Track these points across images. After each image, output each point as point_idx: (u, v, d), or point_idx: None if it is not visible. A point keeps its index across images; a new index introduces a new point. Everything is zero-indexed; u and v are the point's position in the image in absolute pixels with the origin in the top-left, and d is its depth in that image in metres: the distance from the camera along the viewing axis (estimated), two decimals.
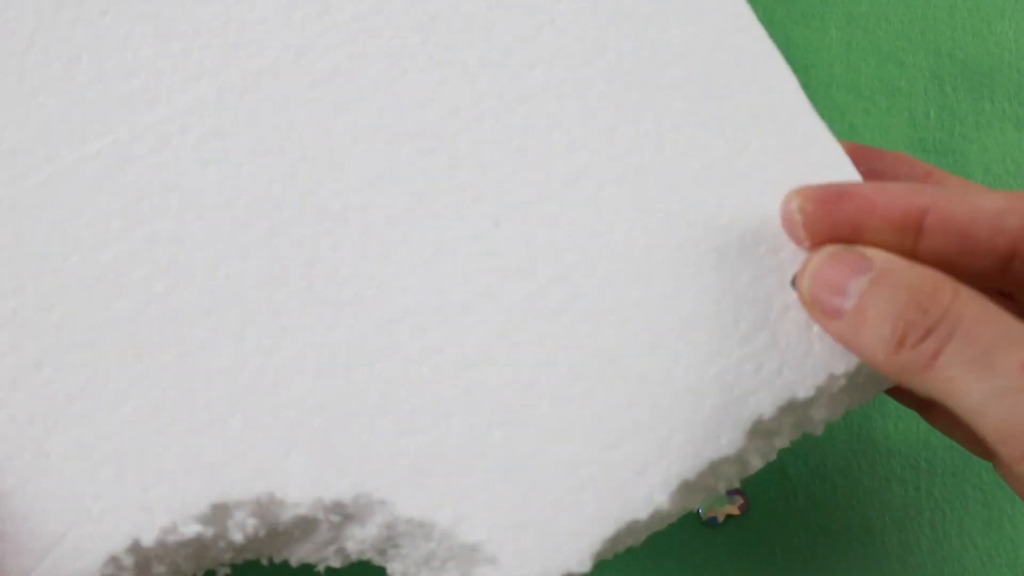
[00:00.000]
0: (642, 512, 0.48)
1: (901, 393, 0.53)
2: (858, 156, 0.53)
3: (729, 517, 0.59)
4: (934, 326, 0.44)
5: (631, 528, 0.48)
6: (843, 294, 0.46)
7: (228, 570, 0.51)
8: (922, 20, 0.67)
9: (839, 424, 0.61)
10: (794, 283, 0.49)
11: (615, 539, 0.48)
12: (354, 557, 0.50)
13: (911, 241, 0.46)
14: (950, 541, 0.60)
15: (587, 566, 0.48)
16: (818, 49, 0.66)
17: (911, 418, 0.62)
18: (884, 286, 0.45)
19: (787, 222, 0.49)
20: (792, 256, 0.50)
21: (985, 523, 0.61)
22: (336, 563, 0.51)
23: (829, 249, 0.47)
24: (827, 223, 0.48)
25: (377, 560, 0.50)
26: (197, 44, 0.52)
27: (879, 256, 0.46)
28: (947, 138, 0.65)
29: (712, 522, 0.59)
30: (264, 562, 0.51)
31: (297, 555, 0.51)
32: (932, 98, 0.66)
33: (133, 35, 0.52)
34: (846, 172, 0.52)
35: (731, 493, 0.59)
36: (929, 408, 0.54)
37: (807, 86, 0.65)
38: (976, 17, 0.68)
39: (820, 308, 0.47)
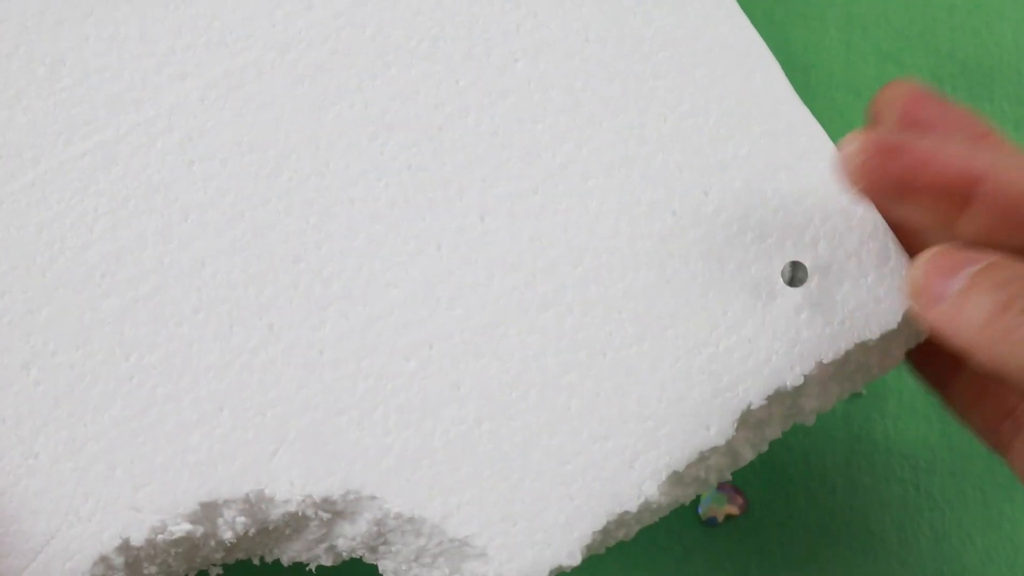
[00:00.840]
0: (632, 504, 0.48)
1: (922, 365, 0.53)
2: (919, 103, 0.51)
3: (729, 517, 0.59)
4: None
5: (621, 520, 0.48)
6: (954, 278, 0.45)
7: (220, 570, 0.51)
8: (921, 20, 0.67)
9: (839, 424, 0.61)
10: (788, 278, 0.49)
11: (605, 532, 0.48)
12: (345, 555, 0.50)
13: (958, 206, 0.46)
14: (950, 541, 0.60)
15: (577, 559, 0.47)
16: (818, 49, 0.66)
17: (911, 418, 0.62)
18: (994, 269, 0.44)
19: (842, 162, 0.47)
20: (778, 243, 0.50)
21: (985, 523, 0.60)
22: (327, 561, 0.51)
23: (946, 244, 0.46)
24: (878, 174, 0.46)
25: (368, 558, 0.50)
26: (181, 44, 0.52)
27: (995, 253, 0.45)
28: None
29: (712, 522, 0.59)
30: (255, 561, 0.51)
31: (288, 554, 0.51)
32: None
33: (117, 36, 0.52)
34: (823, 151, 0.52)
35: (731, 492, 0.59)
36: (949, 384, 0.53)
37: (807, 86, 0.65)
38: (975, 17, 0.67)
39: (927, 294, 0.46)
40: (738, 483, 0.60)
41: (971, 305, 0.44)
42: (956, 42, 0.67)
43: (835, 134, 0.62)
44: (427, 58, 0.52)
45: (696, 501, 0.59)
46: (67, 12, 0.53)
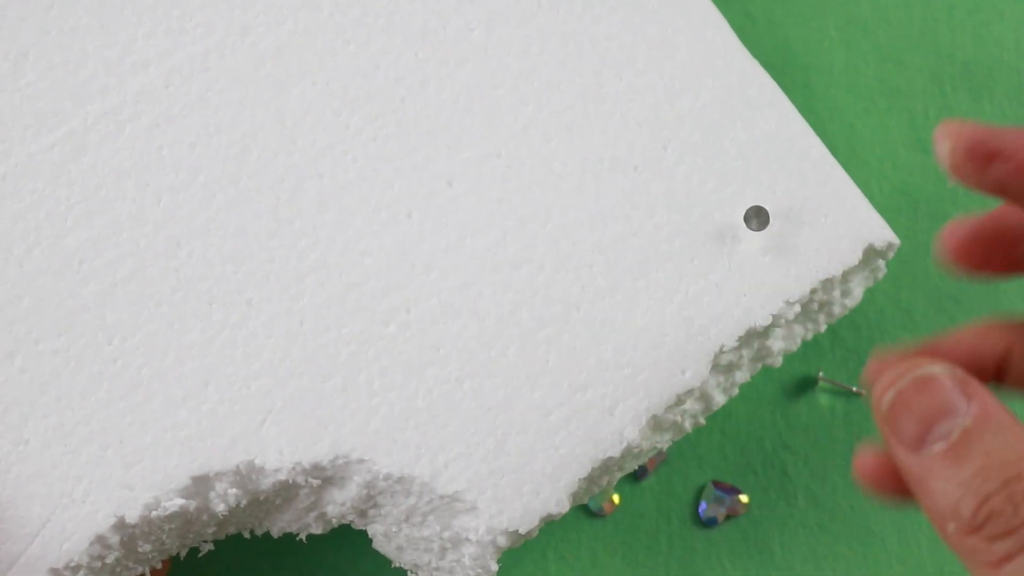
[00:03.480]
0: (615, 449, 0.49)
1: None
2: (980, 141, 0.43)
3: (729, 517, 0.59)
4: (1018, 527, 0.37)
5: (606, 466, 0.50)
6: (927, 431, 0.39)
7: (211, 546, 0.52)
8: (921, 21, 0.68)
9: (839, 424, 0.60)
10: (751, 223, 0.50)
11: (590, 479, 0.50)
12: (335, 522, 0.51)
13: None
14: None
15: (566, 506, 0.49)
16: (818, 49, 0.66)
17: None
18: (977, 453, 0.38)
19: (940, 159, 0.42)
20: (739, 191, 0.52)
21: None
22: (317, 530, 0.51)
23: (922, 372, 0.40)
24: (975, 180, 0.41)
25: (358, 523, 0.51)
26: (142, 32, 0.53)
27: (977, 399, 0.39)
28: None
29: (712, 522, 0.59)
30: (246, 535, 0.52)
31: (278, 525, 0.51)
32: (932, 98, 0.65)
33: (79, 28, 0.53)
34: (774, 101, 0.53)
35: (731, 492, 0.59)
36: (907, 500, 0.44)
37: (807, 86, 0.65)
38: (975, 18, 0.68)
39: (896, 432, 0.39)
40: (738, 483, 0.60)
41: (947, 498, 0.38)
42: (956, 42, 0.67)
43: (835, 134, 0.62)
44: (384, 33, 0.54)
45: (696, 501, 0.59)
46: (27, 8, 0.53)
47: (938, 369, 0.39)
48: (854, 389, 0.60)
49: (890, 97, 0.66)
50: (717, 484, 0.59)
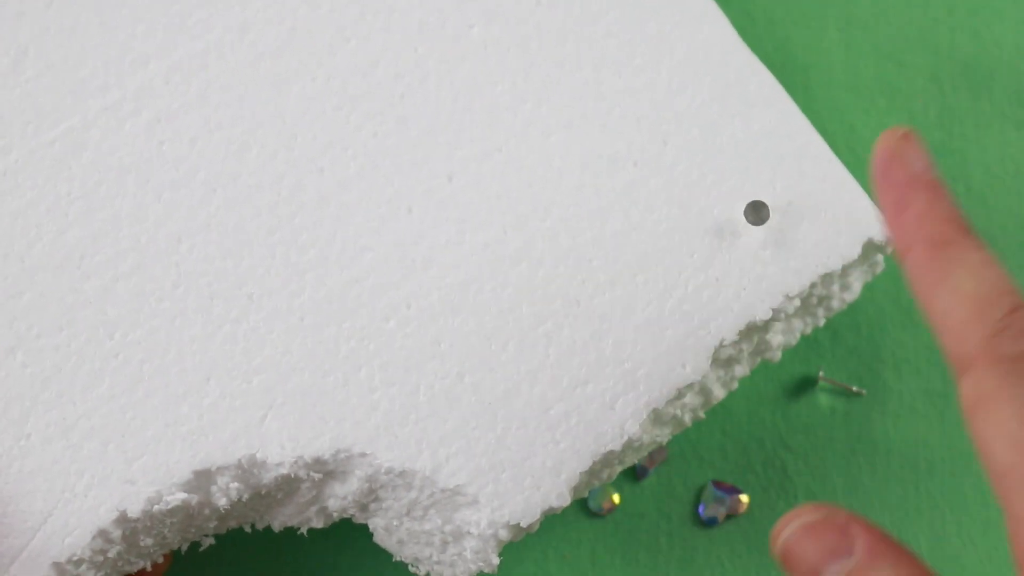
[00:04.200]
0: (616, 443, 0.49)
1: None
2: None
3: (729, 517, 0.59)
4: None
5: (607, 460, 0.50)
6: (832, 564, 0.40)
7: (213, 540, 0.52)
8: (921, 20, 0.67)
9: (839, 424, 0.60)
10: (750, 218, 0.50)
11: (591, 472, 0.50)
12: (336, 516, 0.51)
13: None
14: (950, 541, 0.60)
15: (567, 499, 0.49)
16: (818, 49, 0.66)
17: (911, 418, 0.60)
18: None
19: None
20: (738, 185, 0.52)
21: (985, 523, 0.60)
22: (319, 524, 0.52)
23: (809, 517, 0.41)
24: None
25: (359, 517, 0.51)
26: (141, 29, 0.53)
27: (861, 540, 0.40)
28: (946, 138, 0.64)
29: (712, 522, 0.59)
30: (247, 529, 0.52)
31: (280, 519, 0.51)
32: (931, 98, 0.65)
33: (78, 25, 0.53)
34: (774, 96, 0.53)
35: (731, 492, 0.59)
36: None
37: (807, 86, 0.65)
38: (975, 18, 0.67)
39: (797, 567, 0.41)
40: (738, 483, 0.60)
41: None
42: (956, 42, 0.67)
43: (835, 134, 0.62)
44: (384, 30, 0.54)
45: (696, 501, 0.59)
46: (27, 4, 0.53)
47: (823, 513, 0.40)
48: (854, 389, 0.60)
49: (890, 97, 0.66)
50: (717, 484, 0.59)
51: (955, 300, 0.40)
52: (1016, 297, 0.40)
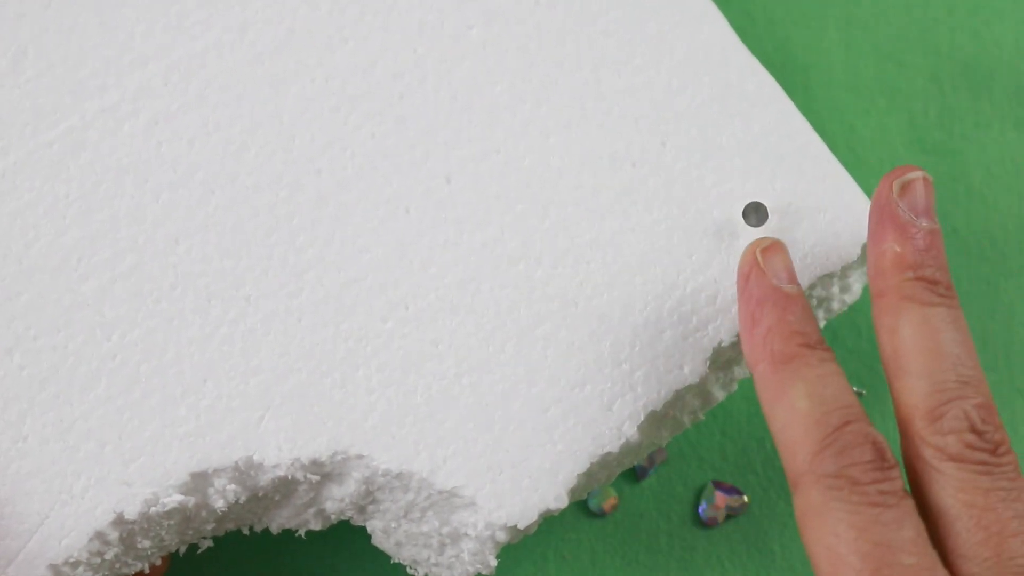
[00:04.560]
0: (614, 445, 0.49)
1: None
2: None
3: (729, 517, 0.59)
4: None
5: (604, 462, 0.50)
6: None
7: (211, 542, 0.52)
8: (921, 20, 0.67)
9: None
10: (750, 219, 0.50)
11: (589, 474, 0.50)
12: (334, 518, 0.51)
13: None
14: None
15: (564, 501, 0.49)
16: (818, 49, 0.66)
17: None
18: None
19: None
20: (737, 186, 0.52)
21: None
22: (316, 526, 0.51)
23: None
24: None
25: (356, 519, 0.51)
26: (140, 30, 0.53)
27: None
28: (946, 138, 0.64)
29: (712, 522, 0.59)
30: (245, 531, 0.52)
31: (277, 521, 0.51)
32: (931, 98, 0.65)
33: (77, 26, 0.53)
34: (773, 97, 0.53)
35: (731, 492, 0.59)
36: None
37: (807, 86, 0.65)
38: (975, 17, 0.67)
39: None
40: (738, 483, 0.60)
41: None
42: (956, 42, 0.66)
43: (835, 134, 0.62)
44: (383, 30, 0.54)
45: (696, 501, 0.59)
46: (26, 5, 0.53)
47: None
48: (854, 389, 0.60)
49: (890, 97, 0.65)
50: (717, 484, 0.59)
51: (790, 418, 0.45)
52: (850, 411, 0.45)
